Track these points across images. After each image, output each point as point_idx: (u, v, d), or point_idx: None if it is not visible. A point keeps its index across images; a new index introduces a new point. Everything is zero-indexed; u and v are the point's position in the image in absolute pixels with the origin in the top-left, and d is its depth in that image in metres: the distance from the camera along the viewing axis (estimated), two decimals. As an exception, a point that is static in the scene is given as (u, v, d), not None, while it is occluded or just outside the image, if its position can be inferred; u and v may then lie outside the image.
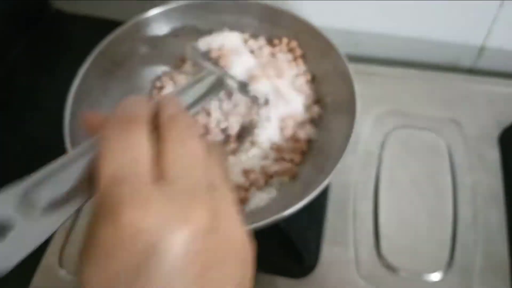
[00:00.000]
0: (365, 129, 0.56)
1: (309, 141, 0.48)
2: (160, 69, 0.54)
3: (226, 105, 0.49)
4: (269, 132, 0.48)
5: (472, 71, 0.66)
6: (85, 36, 0.51)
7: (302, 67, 0.51)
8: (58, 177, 0.21)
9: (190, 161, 0.22)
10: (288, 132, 0.48)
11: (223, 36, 0.52)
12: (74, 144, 0.42)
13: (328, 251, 0.48)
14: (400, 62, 0.66)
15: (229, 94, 0.49)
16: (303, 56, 0.52)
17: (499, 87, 0.60)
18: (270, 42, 0.53)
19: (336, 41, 0.48)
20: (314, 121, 0.49)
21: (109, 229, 0.19)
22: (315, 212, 0.50)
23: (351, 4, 0.60)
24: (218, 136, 0.48)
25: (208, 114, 0.49)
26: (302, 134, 0.48)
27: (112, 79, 0.50)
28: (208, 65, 0.47)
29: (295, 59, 0.52)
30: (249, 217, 0.44)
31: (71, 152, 0.23)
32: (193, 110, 0.32)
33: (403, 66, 0.64)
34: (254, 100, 0.48)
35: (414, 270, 0.47)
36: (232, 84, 0.46)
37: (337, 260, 0.47)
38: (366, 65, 0.62)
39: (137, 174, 0.20)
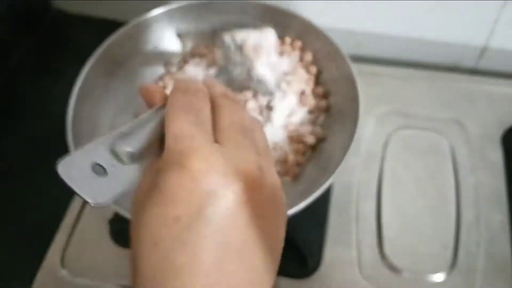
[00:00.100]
0: (368, 129, 0.56)
1: (312, 142, 0.48)
2: (162, 69, 0.54)
3: None
4: (272, 134, 0.48)
5: (474, 72, 0.66)
6: (87, 37, 0.51)
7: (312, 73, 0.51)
8: (134, 135, 0.25)
9: (240, 127, 0.25)
10: (291, 133, 0.48)
11: (260, 32, 0.51)
12: (77, 144, 0.42)
13: (331, 252, 0.48)
14: (402, 62, 0.66)
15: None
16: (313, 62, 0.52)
17: (502, 87, 0.60)
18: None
19: (338, 41, 0.48)
20: (317, 122, 0.49)
21: (175, 176, 0.22)
22: (318, 212, 0.50)
23: (353, 4, 0.60)
24: None
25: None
26: (305, 134, 0.48)
27: (115, 80, 0.50)
28: (237, 58, 0.47)
29: (306, 66, 0.51)
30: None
31: (143, 115, 0.26)
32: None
33: (405, 66, 0.64)
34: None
35: (417, 271, 0.47)
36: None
37: (339, 260, 0.47)
38: (368, 66, 0.62)
39: (203, 132, 0.24)
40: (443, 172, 0.53)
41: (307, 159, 0.47)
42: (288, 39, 0.52)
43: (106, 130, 0.48)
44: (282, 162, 0.47)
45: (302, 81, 0.50)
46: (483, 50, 0.63)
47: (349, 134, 0.42)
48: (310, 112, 0.49)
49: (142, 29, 0.51)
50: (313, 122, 0.49)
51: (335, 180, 0.40)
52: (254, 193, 0.23)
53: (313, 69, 0.51)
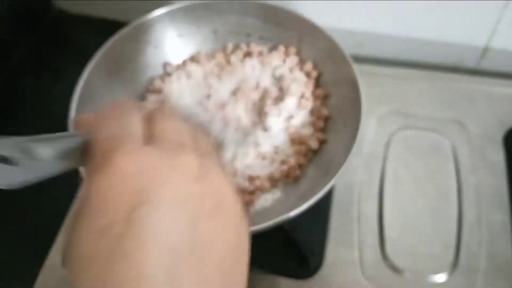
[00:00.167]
0: (369, 130, 0.56)
1: (316, 147, 0.48)
2: (164, 69, 0.54)
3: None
4: (273, 137, 0.48)
5: (476, 72, 0.66)
6: (88, 37, 0.51)
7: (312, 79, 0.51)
8: (55, 142, 0.25)
9: (175, 129, 0.24)
10: (292, 135, 0.48)
11: None
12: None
13: (333, 252, 0.48)
14: (403, 62, 0.66)
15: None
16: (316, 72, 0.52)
17: (503, 87, 0.60)
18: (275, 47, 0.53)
19: (340, 41, 0.48)
20: (318, 124, 0.49)
21: (103, 179, 0.20)
22: (320, 212, 0.50)
23: (354, 4, 0.60)
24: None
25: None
26: (308, 139, 0.47)
27: (116, 80, 0.50)
28: None
29: (307, 73, 0.52)
30: (253, 218, 0.44)
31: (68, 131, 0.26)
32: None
33: (406, 66, 0.64)
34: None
35: (419, 271, 0.47)
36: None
37: (341, 261, 0.47)
38: (369, 66, 0.62)
39: (131, 135, 0.22)
40: (445, 173, 0.53)
41: (308, 161, 0.47)
42: (281, 48, 0.53)
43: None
44: (284, 164, 0.47)
45: (301, 84, 0.50)
46: (485, 50, 0.63)
47: (351, 136, 0.42)
48: (311, 114, 0.49)
49: (144, 30, 0.51)
50: (314, 125, 0.49)
51: (337, 180, 0.40)
52: (194, 186, 0.21)
53: (314, 74, 0.51)
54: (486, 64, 0.65)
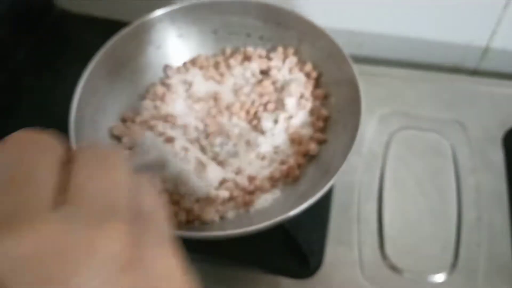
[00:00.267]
0: (369, 130, 0.56)
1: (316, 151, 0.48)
2: (164, 72, 0.54)
3: None
4: (273, 138, 0.48)
5: (476, 72, 0.66)
6: (90, 37, 0.52)
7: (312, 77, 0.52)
8: None
9: (104, 183, 0.18)
10: (292, 135, 0.48)
11: None
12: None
13: (332, 252, 0.48)
14: (404, 63, 0.66)
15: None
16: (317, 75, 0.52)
17: (503, 88, 0.60)
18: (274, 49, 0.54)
19: (340, 41, 0.48)
20: (318, 125, 0.49)
21: None
22: (319, 212, 0.50)
23: (355, 4, 0.60)
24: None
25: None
26: (308, 143, 0.48)
27: (118, 80, 0.50)
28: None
29: (307, 74, 0.52)
30: (253, 217, 0.44)
31: None
32: None
33: (407, 67, 0.64)
34: None
35: (418, 271, 0.47)
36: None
37: (341, 261, 0.48)
38: (369, 66, 0.62)
39: (33, 197, 0.16)
40: (444, 173, 0.53)
41: (308, 161, 0.47)
42: (280, 48, 0.53)
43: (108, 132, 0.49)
44: (283, 164, 0.47)
45: (301, 84, 0.50)
46: (485, 51, 0.63)
47: (350, 136, 0.42)
48: (311, 114, 0.49)
49: (145, 30, 0.52)
50: (313, 125, 0.49)
51: (337, 180, 0.40)
52: (125, 274, 0.16)
53: (313, 74, 0.51)
54: (486, 65, 0.65)
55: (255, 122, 0.49)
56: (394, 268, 0.47)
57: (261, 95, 0.51)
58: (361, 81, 0.45)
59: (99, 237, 0.16)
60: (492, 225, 0.49)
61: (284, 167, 0.46)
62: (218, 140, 0.48)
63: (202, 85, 0.52)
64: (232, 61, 0.53)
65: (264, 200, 0.45)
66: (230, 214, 0.44)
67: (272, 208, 0.44)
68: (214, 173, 0.46)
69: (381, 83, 0.60)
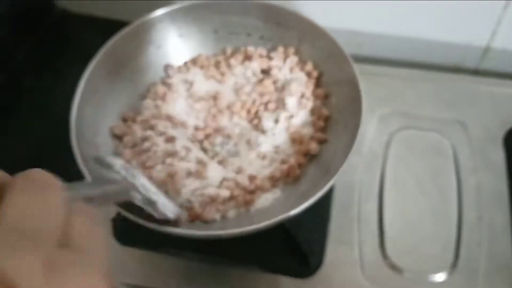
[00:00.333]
0: (370, 129, 0.56)
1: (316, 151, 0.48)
2: (165, 72, 0.54)
3: None
4: (273, 137, 0.48)
5: (476, 72, 0.66)
6: (90, 37, 0.52)
7: (313, 77, 0.52)
8: None
9: (31, 210, 0.18)
10: (293, 135, 0.48)
11: None
12: (80, 145, 0.42)
13: (333, 252, 0.48)
14: (404, 63, 0.66)
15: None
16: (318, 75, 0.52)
17: (504, 88, 0.60)
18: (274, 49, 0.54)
19: (340, 41, 0.48)
20: (318, 125, 0.49)
21: None
22: (320, 212, 0.50)
23: (355, 4, 0.60)
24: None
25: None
26: (309, 143, 0.48)
27: (118, 80, 0.50)
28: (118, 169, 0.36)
29: (307, 73, 0.52)
30: (254, 217, 0.44)
31: None
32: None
33: (407, 66, 0.64)
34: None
35: (419, 271, 0.47)
36: (137, 197, 0.36)
37: (341, 260, 0.48)
38: (370, 66, 0.62)
39: None
40: (445, 173, 0.53)
41: (308, 161, 0.47)
42: (281, 48, 0.53)
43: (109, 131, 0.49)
44: (284, 164, 0.47)
45: (302, 83, 0.50)
46: (486, 51, 0.63)
47: (351, 135, 0.42)
48: (312, 113, 0.49)
49: (145, 29, 0.52)
50: (314, 124, 0.49)
51: (337, 180, 0.40)
52: None
53: (314, 73, 0.51)
54: (487, 65, 0.65)
55: (255, 121, 0.50)
56: (394, 268, 0.47)
57: (261, 95, 0.51)
58: (362, 80, 0.45)
59: (10, 266, 0.16)
60: (492, 225, 0.49)
61: (285, 166, 0.46)
62: (218, 140, 0.48)
63: (203, 84, 0.52)
64: (232, 61, 0.53)
65: (264, 200, 0.45)
66: (231, 214, 0.44)
67: (272, 208, 0.44)
68: (214, 172, 0.46)
69: (381, 83, 0.60)
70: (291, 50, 0.53)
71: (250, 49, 0.54)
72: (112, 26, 0.50)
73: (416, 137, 0.56)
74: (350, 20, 0.63)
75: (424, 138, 0.56)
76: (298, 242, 0.47)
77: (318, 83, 0.51)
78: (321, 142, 0.48)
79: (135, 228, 0.39)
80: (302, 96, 0.50)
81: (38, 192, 0.19)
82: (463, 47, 0.63)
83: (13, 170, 0.21)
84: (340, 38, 0.48)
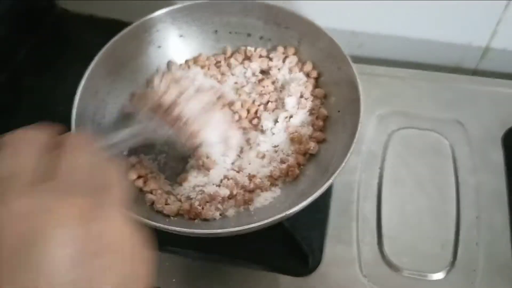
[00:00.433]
0: (369, 129, 0.56)
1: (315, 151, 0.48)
2: (168, 67, 0.54)
3: None
4: (272, 137, 0.48)
5: (476, 72, 0.66)
6: (91, 37, 0.52)
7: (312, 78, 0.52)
8: None
9: (76, 165, 0.24)
10: (292, 134, 0.48)
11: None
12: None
13: (331, 250, 0.48)
14: (404, 63, 0.66)
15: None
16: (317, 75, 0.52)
17: (503, 88, 0.60)
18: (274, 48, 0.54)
19: (340, 41, 0.48)
20: (317, 124, 0.49)
21: None
22: (319, 211, 0.50)
23: (355, 5, 0.60)
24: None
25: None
26: (308, 143, 0.48)
27: (118, 80, 0.50)
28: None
29: (307, 73, 0.52)
30: (253, 216, 0.44)
31: None
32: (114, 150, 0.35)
33: (407, 66, 0.64)
34: None
35: (417, 270, 0.47)
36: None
37: (340, 259, 0.48)
38: (369, 66, 0.62)
39: (20, 174, 0.22)
40: (444, 172, 0.53)
41: (307, 160, 0.47)
42: (280, 48, 0.53)
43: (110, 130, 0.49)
44: (283, 163, 0.47)
45: (301, 84, 0.50)
46: (485, 51, 0.63)
47: (350, 135, 0.43)
48: (311, 113, 0.50)
49: (146, 29, 0.52)
50: (313, 124, 0.49)
51: (336, 179, 0.40)
52: (77, 235, 0.21)
53: (313, 73, 0.52)
54: (486, 65, 0.65)
55: (255, 121, 0.50)
56: (392, 266, 0.47)
57: (261, 95, 0.51)
58: (361, 80, 0.45)
59: (62, 203, 0.22)
60: (491, 224, 0.49)
61: (284, 166, 0.46)
62: None
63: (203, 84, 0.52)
64: (232, 61, 0.53)
65: (264, 199, 0.45)
66: (230, 212, 0.45)
67: (272, 207, 0.44)
68: (216, 169, 0.46)
69: (380, 82, 0.60)
70: (291, 50, 0.53)
71: (250, 49, 0.54)
72: (112, 26, 0.50)
73: (415, 137, 0.56)
74: (349, 20, 0.63)
75: (423, 138, 0.56)
76: (297, 240, 0.47)
77: (317, 83, 0.52)
78: (320, 141, 0.48)
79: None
80: (302, 96, 0.50)
81: (80, 148, 0.25)
82: (462, 47, 0.63)
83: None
84: (340, 38, 0.48)
